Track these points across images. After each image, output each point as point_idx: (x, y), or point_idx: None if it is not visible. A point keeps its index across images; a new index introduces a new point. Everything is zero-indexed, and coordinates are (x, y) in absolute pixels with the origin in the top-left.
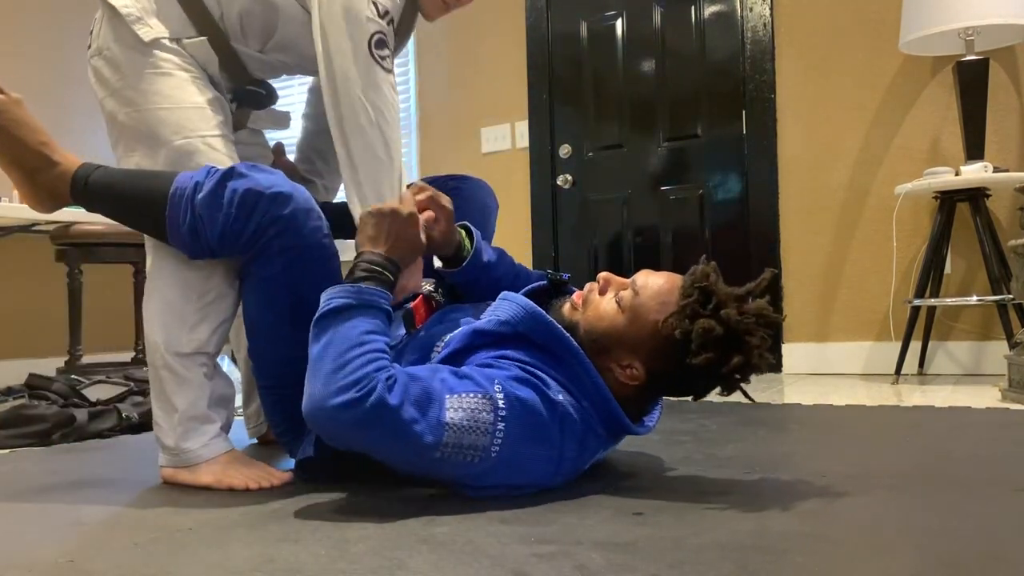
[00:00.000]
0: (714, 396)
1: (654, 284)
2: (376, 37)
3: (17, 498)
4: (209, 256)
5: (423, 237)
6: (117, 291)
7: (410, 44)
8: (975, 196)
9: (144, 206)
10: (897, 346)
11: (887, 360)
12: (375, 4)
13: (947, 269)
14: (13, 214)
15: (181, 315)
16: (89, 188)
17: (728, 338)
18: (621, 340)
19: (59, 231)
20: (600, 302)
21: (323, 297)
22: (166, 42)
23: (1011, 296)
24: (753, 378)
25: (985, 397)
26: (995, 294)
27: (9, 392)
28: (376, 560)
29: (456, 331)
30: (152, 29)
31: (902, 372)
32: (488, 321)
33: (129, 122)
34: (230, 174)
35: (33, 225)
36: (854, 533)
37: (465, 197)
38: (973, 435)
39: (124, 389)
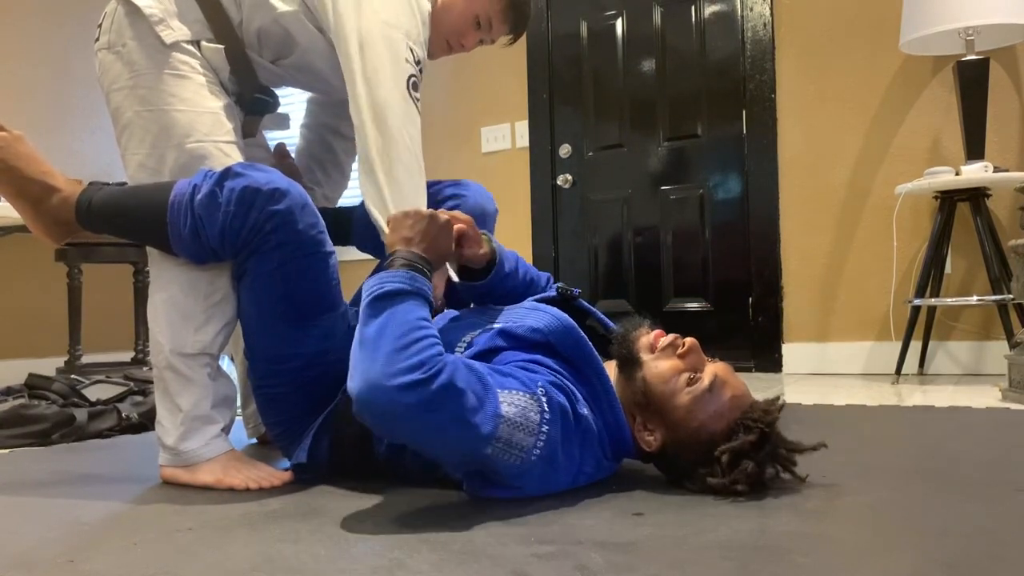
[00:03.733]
0: None
1: (726, 391)
2: (412, 80)
3: (17, 498)
4: (213, 259)
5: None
6: (117, 291)
7: None
8: (975, 196)
9: (146, 220)
10: (897, 346)
11: (887, 360)
12: (412, 50)
13: (947, 269)
14: (13, 214)
15: (187, 315)
16: (92, 211)
17: (756, 461)
18: (664, 412)
19: None
20: (674, 366)
21: (371, 282)
22: (185, 44)
23: (1011, 296)
24: (754, 377)
25: (985, 397)
26: (995, 294)
27: (9, 392)
28: (376, 560)
29: (479, 332)
30: (174, 32)
31: (902, 372)
32: (517, 325)
33: (138, 120)
34: (227, 174)
35: None
36: (854, 533)
37: (466, 206)
38: (973, 435)
39: (124, 389)
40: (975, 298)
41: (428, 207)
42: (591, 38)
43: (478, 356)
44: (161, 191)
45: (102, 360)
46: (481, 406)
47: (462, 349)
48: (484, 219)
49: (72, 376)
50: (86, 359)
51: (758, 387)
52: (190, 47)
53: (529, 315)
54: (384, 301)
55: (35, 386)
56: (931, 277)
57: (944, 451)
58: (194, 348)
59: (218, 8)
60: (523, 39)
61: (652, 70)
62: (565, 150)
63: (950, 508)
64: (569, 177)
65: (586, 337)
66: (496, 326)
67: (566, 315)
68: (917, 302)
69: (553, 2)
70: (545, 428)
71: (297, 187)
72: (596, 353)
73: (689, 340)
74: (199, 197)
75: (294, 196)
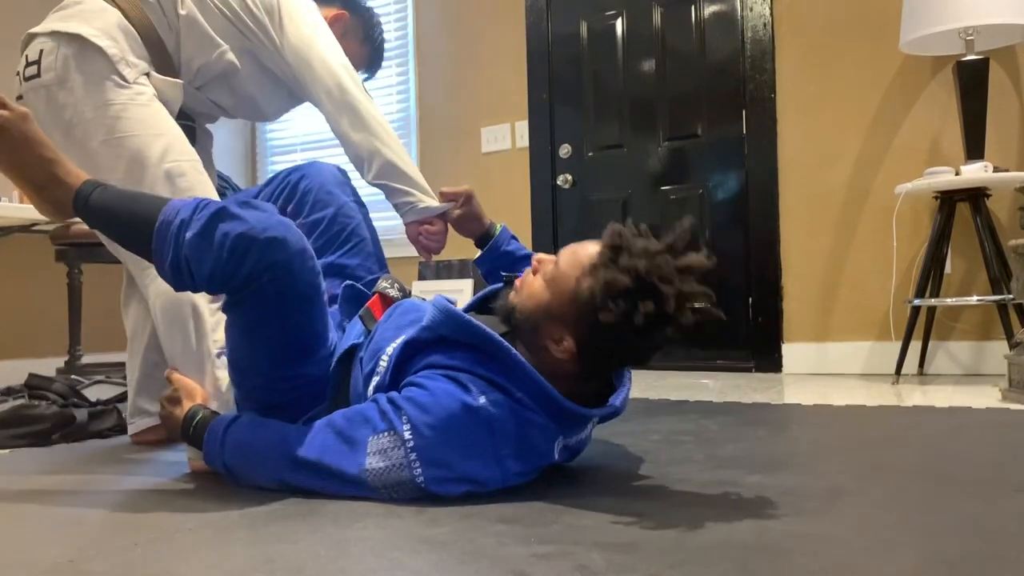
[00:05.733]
0: (714, 396)
1: (572, 251)
2: (360, 78)
3: (17, 498)
4: (191, 291)
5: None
6: (117, 291)
7: (410, 44)
8: (975, 196)
9: (133, 233)
10: (897, 346)
11: (887, 360)
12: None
13: (947, 269)
14: (13, 214)
15: (199, 318)
16: (88, 207)
17: (640, 290)
18: (549, 313)
19: (59, 231)
20: (532, 281)
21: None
22: (141, 76)
23: (1011, 296)
24: (754, 377)
25: (985, 397)
26: (995, 294)
27: (9, 392)
28: (376, 560)
29: (397, 343)
30: (134, 69)
31: (902, 372)
32: (416, 328)
33: (106, 149)
34: (220, 215)
35: (33, 225)
36: (854, 533)
37: (308, 186)
38: (973, 435)
39: (124, 389)
40: (975, 298)
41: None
42: (591, 38)
43: (395, 372)
44: (150, 208)
45: (102, 360)
46: (347, 467)
47: (384, 362)
48: (341, 187)
49: (72, 376)
50: (86, 359)
51: (758, 387)
52: (143, 78)
53: (425, 314)
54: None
55: (35, 386)
56: (931, 277)
57: (944, 451)
58: (216, 348)
59: (162, 46)
60: (523, 39)
61: (652, 70)
62: (565, 150)
63: (950, 508)
64: (569, 177)
65: (469, 317)
66: (405, 336)
67: (446, 303)
68: (917, 302)
69: (553, 2)
70: (413, 456)
71: (293, 230)
72: (484, 328)
73: (534, 256)
74: (188, 235)
75: (292, 244)
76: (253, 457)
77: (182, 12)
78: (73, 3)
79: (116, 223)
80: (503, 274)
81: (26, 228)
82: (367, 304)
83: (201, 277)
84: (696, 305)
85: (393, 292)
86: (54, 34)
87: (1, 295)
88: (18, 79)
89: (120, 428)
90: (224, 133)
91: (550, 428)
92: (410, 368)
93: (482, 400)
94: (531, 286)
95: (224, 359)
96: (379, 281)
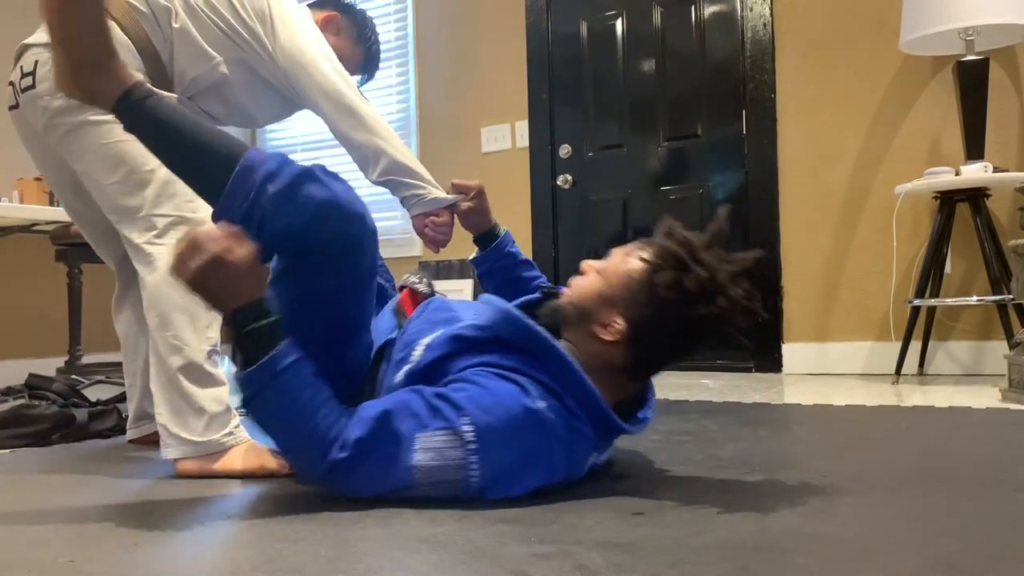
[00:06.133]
0: (714, 396)
1: (622, 248)
2: (354, 80)
3: (17, 498)
4: (252, 239)
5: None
6: None
7: (410, 44)
8: (975, 196)
9: (197, 164)
10: (897, 346)
11: (887, 360)
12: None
13: (947, 269)
14: (13, 214)
15: (194, 316)
16: (139, 111)
17: (690, 265)
18: (599, 299)
19: (59, 231)
20: (580, 279)
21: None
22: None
23: (1011, 296)
24: (754, 378)
25: (985, 397)
26: (995, 294)
27: (9, 392)
28: (376, 560)
29: (436, 336)
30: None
31: (902, 372)
32: (467, 326)
33: (107, 151)
34: (308, 175)
35: (33, 225)
36: (854, 533)
37: None
38: (973, 435)
39: (124, 389)
40: (975, 298)
41: None
42: (591, 38)
43: (435, 363)
44: (229, 144)
45: (102, 360)
46: (393, 463)
47: (418, 354)
48: None
49: (72, 376)
50: (86, 359)
51: (758, 387)
52: None
53: (479, 313)
54: (263, 407)
55: (35, 386)
56: (931, 277)
57: (944, 451)
58: (209, 345)
59: (157, 58)
60: (523, 39)
61: (652, 70)
62: (565, 150)
63: (950, 508)
64: (569, 177)
65: (530, 320)
66: (450, 330)
67: (507, 304)
68: (917, 302)
69: (553, 2)
70: (474, 459)
71: (369, 212)
72: (544, 332)
73: (582, 263)
74: (274, 189)
75: (368, 224)
76: (295, 413)
77: (175, 25)
78: None
79: (176, 143)
80: (541, 286)
81: (26, 228)
82: (398, 298)
83: (274, 232)
84: (745, 300)
85: (422, 287)
86: (49, 45)
87: (1, 295)
88: (11, 89)
89: (120, 428)
90: None
91: (591, 441)
92: (456, 365)
93: (541, 404)
94: (580, 282)
95: (216, 358)
96: (407, 276)
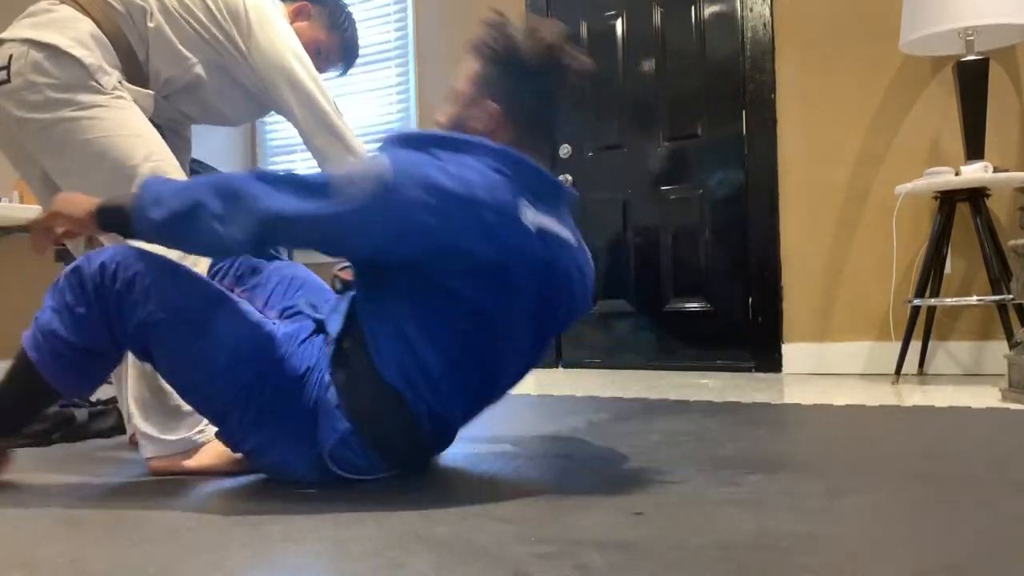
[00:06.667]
0: (714, 396)
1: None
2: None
3: (17, 498)
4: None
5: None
6: None
7: (410, 44)
8: (975, 196)
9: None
10: (897, 346)
11: (887, 360)
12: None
13: (947, 269)
14: (13, 214)
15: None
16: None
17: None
18: (463, 105)
19: None
20: (438, 113)
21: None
22: (118, 84)
23: (1011, 296)
24: (754, 378)
25: (985, 397)
26: (995, 294)
27: None
28: (376, 560)
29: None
30: (110, 77)
31: (902, 372)
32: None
33: (88, 147)
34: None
35: None
36: (854, 533)
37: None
38: (973, 435)
39: None
40: (975, 298)
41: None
42: (591, 38)
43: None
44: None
45: None
46: (308, 182)
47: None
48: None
49: None
50: None
51: (758, 387)
52: (119, 85)
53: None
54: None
55: None
56: (931, 277)
57: (944, 451)
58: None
59: (133, 56)
60: None
61: (652, 70)
62: (565, 150)
63: (950, 508)
64: (569, 177)
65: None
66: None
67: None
68: (917, 302)
69: (553, 2)
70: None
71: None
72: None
73: None
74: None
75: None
76: (188, 191)
77: (151, 24)
78: (42, 11)
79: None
80: (338, 278)
81: (26, 228)
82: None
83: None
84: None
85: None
86: (26, 41)
87: (1, 295)
88: None
89: (120, 428)
90: (224, 132)
91: (509, 180)
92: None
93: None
94: (440, 111)
95: None
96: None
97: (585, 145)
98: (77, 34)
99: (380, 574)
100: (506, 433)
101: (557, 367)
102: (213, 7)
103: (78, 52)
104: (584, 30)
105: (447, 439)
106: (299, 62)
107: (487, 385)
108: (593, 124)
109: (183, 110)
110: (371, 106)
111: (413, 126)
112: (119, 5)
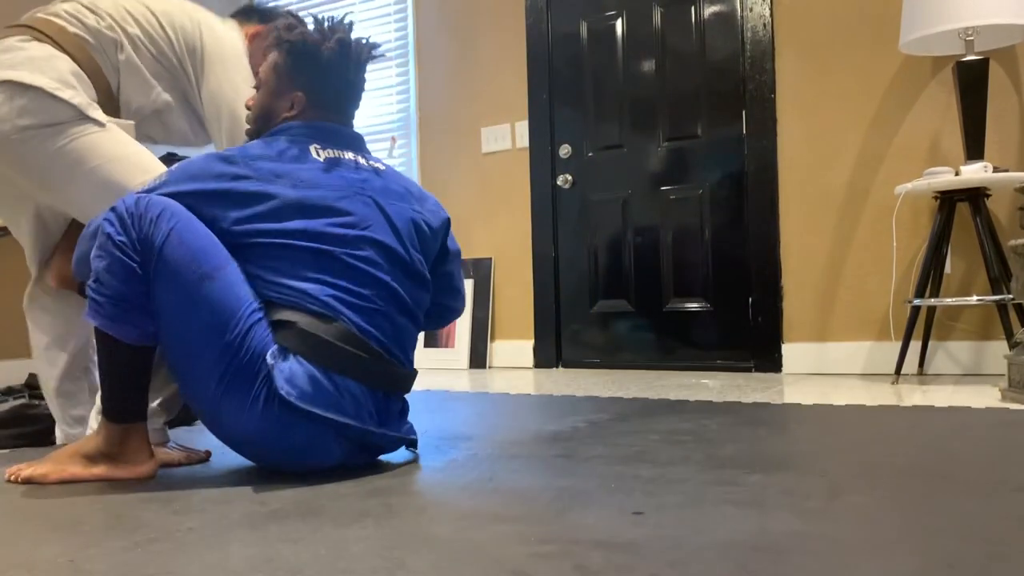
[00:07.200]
0: (714, 396)
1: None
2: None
3: (17, 498)
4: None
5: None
6: None
7: (410, 44)
8: (975, 196)
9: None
10: (897, 346)
11: (887, 360)
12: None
13: (947, 269)
14: None
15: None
16: None
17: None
18: (268, 98)
19: None
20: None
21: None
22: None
23: (1011, 296)
24: (754, 377)
25: (985, 397)
26: (995, 294)
27: (9, 392)
28: (376, 560)
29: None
30: (99, 111)
31: (902, 372)
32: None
33: (94, 176)
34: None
35: None
36: (854, 533)
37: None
38: (973, 435)
39: None
40: (975, 298)
41: None
42: (591, 38)
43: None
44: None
45: None
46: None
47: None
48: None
49: None
50: None
51: (758, 387)
52: (106, 116)
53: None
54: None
55: (35, 386)
56: (931, 277)
57: (944, 451)
58: None
59: (108, 89)
60: (523, 39)
61: (652, 70)
62: (565, 150)
63: (950, 508)
64: (569, 177)
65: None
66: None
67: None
68: (917, 302)
69: (553, 2)
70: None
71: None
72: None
73: None
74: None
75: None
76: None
77: (121, 57)
78: (17, 48)
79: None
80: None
81: None
82: None
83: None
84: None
85: None
86: (6, 84)
87: (1, 295)
88: None
89: None
90: None
91: (304, 136)
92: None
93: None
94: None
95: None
96: None
97: (585, 145)
98: (58, 74)
99: (380, 574)
100: (506, 433)
101: (557, 367)
102: (174, 39)
103: (64, 94)
104: (584, 30)
105: (374, 353)
106: (231, 116)
107: (361, 286)
108: (593, 124)
109: (149, 134)
110: (371, 106)
111: (413, 125)
112: (90, 37)
